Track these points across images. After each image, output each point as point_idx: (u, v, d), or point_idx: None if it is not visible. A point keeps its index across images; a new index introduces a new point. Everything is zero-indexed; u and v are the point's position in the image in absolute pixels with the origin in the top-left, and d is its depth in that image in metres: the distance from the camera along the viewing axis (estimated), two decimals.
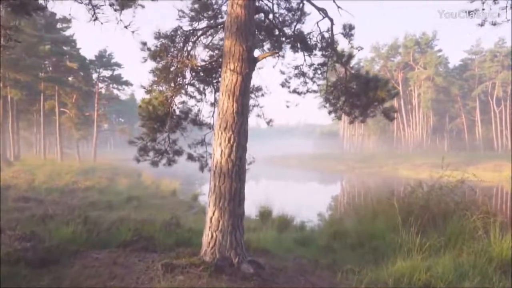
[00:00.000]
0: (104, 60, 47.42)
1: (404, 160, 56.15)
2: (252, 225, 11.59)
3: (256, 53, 6.53)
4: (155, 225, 8.12)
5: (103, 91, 53.68)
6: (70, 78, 43.31)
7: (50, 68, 41.20)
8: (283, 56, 8.56)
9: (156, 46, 6.37)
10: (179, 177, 25.92)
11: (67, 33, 42.59)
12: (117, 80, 50.76)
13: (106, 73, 49.84)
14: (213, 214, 5.34)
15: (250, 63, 5.52)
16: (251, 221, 13.22)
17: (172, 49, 6.45)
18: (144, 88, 6.52)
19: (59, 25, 41.28)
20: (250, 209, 14.38)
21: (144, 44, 6.36)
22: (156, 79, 6.54)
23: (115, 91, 56.26)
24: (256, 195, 16.68)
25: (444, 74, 72.77)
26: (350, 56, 7.43)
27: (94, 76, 48.64)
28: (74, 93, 42.21)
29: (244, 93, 5.43)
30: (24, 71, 31.33)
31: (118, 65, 49.33)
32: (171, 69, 6.43)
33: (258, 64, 7.96)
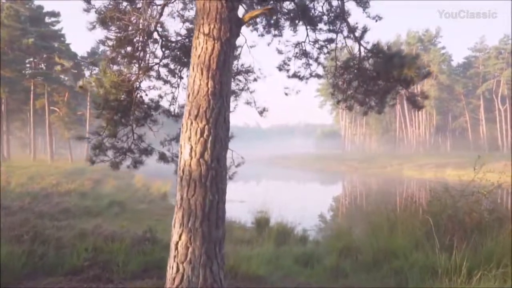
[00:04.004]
0: (97, 57, 45.54)
1: (407, 160, 54.85)
2: (247, 236, 10.10)
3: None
4: (124, 241, 6.54)
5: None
6: (61, 76, 41.53)
7: (43, 66, 39.49)
8: (280, 35, 7.01)
9: (106, 6, 4.76)
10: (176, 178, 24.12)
11: (56, 28, 40.82)
12: None
13: None
14: (180, 238, 3.74)
15: (232, 26, 3.93)
16: (246, 230, 11.81)
17: (130, 12, 4.84)
18: (93, 64, 4.95)
19: (47, 19, 39.54)
20: (246, 215, 12.95)
21: (88, 1, 4.71)
22: (109, 52, 4.95)
23: None
24: (255, 197, 15.19)
25: (447, 72, 71.23)
26: (366, 29, 5.85)
27: (87, 73, 46.81)
28: (66, 91, 40.43)
29: (223, 67, 3.84)
30: (7, 66, 29.57)
31: None
32: (129, 39, 4.80)
33: (249, 42, 6.27)
